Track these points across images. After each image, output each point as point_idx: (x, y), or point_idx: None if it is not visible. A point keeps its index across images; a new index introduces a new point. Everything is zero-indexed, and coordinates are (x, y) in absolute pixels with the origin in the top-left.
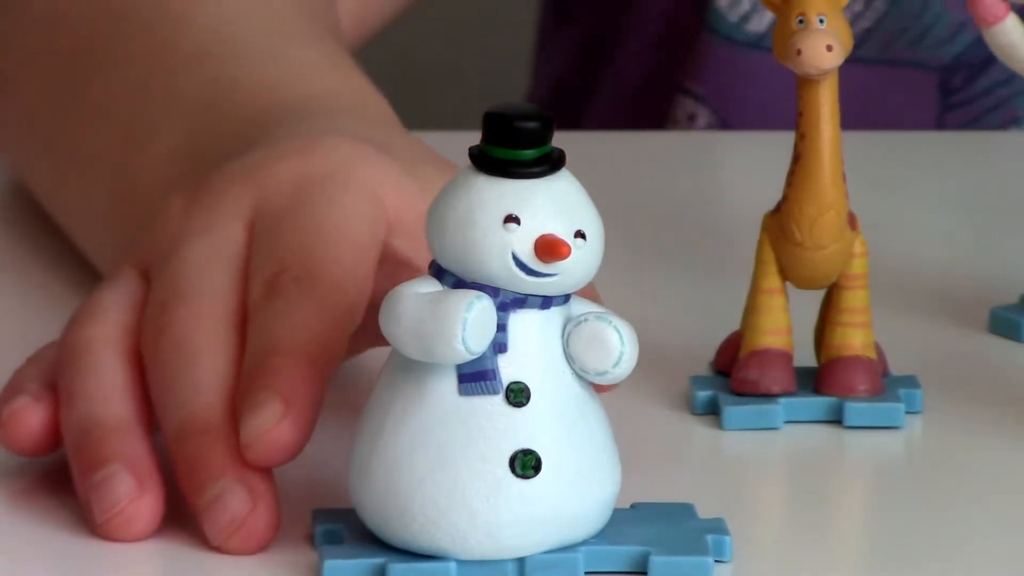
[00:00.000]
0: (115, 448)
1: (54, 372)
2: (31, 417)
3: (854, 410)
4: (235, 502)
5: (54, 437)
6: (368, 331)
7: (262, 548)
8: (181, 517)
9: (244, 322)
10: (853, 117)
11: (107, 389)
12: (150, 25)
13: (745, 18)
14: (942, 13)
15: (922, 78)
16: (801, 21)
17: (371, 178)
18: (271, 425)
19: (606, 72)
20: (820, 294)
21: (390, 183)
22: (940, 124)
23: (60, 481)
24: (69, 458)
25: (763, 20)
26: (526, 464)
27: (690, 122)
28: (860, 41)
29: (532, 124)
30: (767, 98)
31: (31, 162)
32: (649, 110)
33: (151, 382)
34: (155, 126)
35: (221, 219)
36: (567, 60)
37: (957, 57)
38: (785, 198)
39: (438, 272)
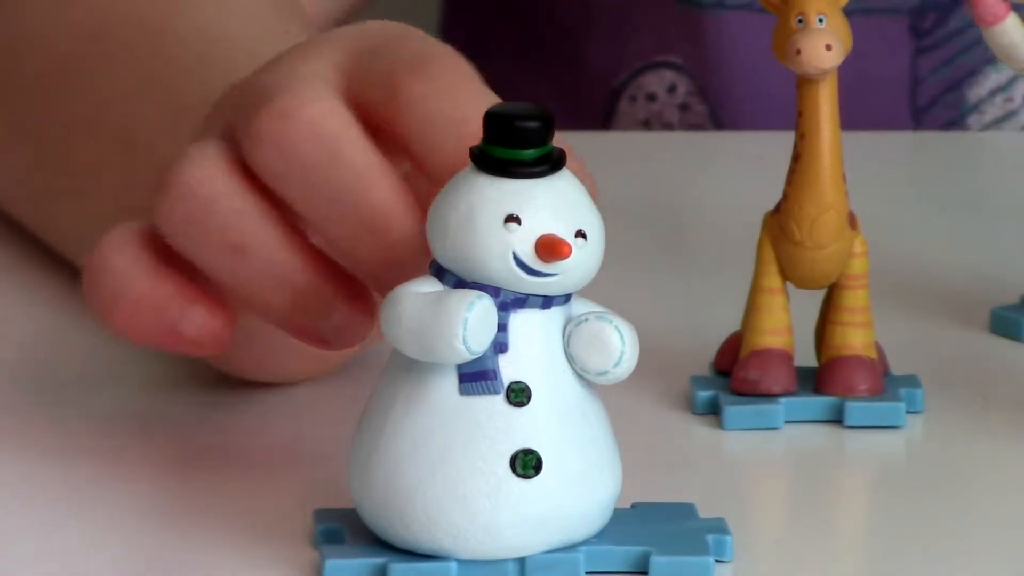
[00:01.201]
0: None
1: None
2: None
3: (855, 410)
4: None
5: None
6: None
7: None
8: (180, 517)
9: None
10: None
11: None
12: (133, 41)
13: None
14: None
15: (893, 24)
16: (800, 21)
17: None
18: None
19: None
20: (820, 294)
21: None
22: (914, 70)
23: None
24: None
25: None
26: (527, 464)
27: (670, 94)
28: None
29: (533, 124)
30: (743, 58)
31: (12, 186)
32: (622, 93)
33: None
34: (159, 129)
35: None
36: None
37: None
38: (785, 197)
39: (439, 272)
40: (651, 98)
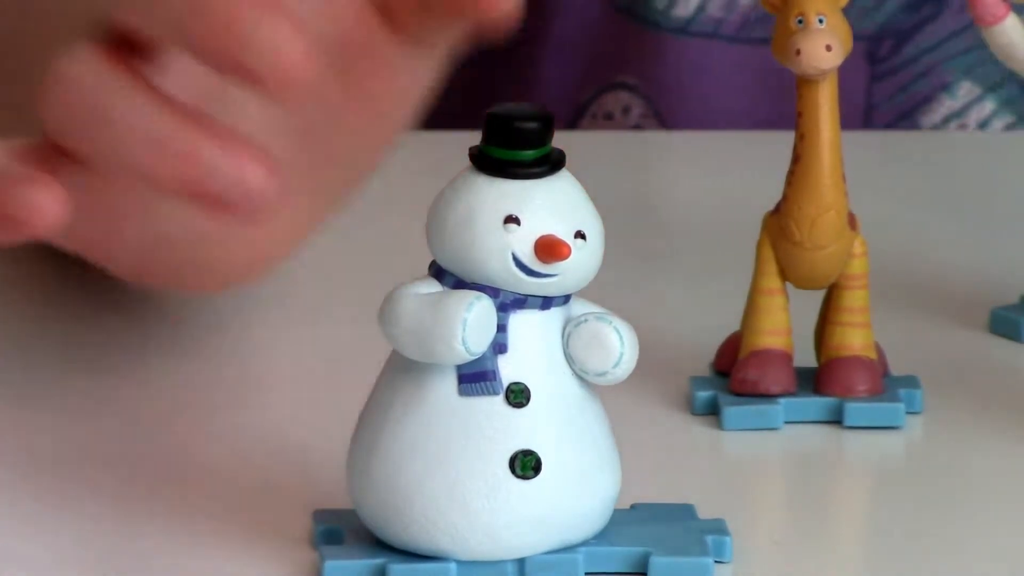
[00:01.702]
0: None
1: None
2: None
3: (854, 410)
4: None
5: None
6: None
7: None
8: (180, 518)
9: None
10: None
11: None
12: None
13: (672, 3)
14: None
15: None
16: (800, 21)
17: None
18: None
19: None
20: (820, 294)
21: None
22: (869, 95)
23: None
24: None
25: (689, 5)
26: (526, 465)
27: (625, 115)
28: None
29: (532, 124)
30: (699, 84)
31: None
32: (583, 110)
33: None
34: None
35: None
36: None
37: (882, 25)
38: (785, 198)
39: (438, 272)
40: (608, 117)
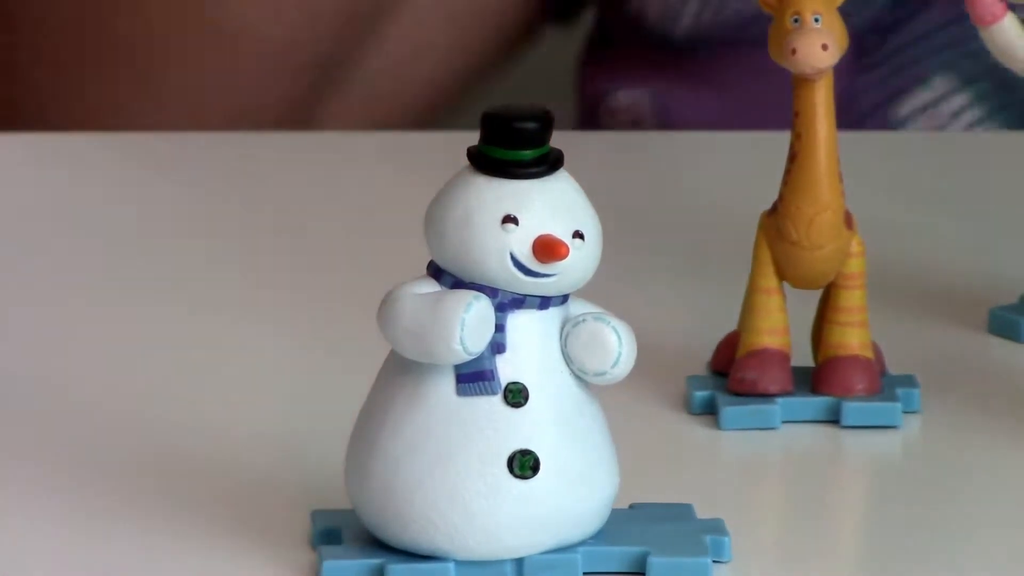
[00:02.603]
0: None
1: None
2: None
3: (852, 410)
4: None
5: None
6: None
7: None
8: (178, 518)
9: None
10: None
11: None
12: None
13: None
14: None
15: None
16: (796, 20)
17: None
18: None
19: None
20: (817, 294)
21: None
22: (852, 88)
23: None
24: None
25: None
26: (524, 464)
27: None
28: None
29: (531, 124)
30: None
31: None
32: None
33: None
34: None
35: None
36: None
37: (869, 20)
38: (781, 198)
39: (436, 272)
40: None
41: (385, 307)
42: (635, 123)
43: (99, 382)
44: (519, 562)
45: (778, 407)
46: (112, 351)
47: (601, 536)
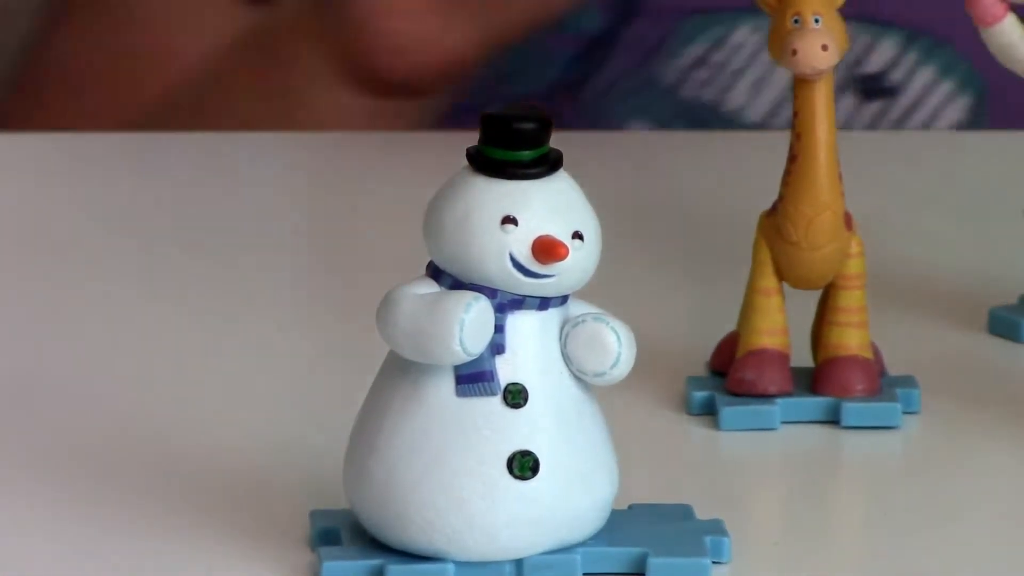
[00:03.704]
0: None
1: None
2: None
3: (851, 410)
4: None
5: None
6: None
7: None
8: (178, 518)
9: None
10: None
11: None
12: None
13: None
14: None
15: None
16: (796, 21)
17: None
18: None
19: None
20: (817, 294)
21: None
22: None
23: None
24: None
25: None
26: (524, 465)
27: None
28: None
29: (530, 125)
30: None
31: None
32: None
33: None
34: None
35: None
36: None
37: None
38: (781, 198)
39: (435, 273)
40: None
41: (384, 308)
42: None
43: (98, 382)
44: (518, 563)
45: (777, 408)
46: (112, 351)
47: (600, 537)
